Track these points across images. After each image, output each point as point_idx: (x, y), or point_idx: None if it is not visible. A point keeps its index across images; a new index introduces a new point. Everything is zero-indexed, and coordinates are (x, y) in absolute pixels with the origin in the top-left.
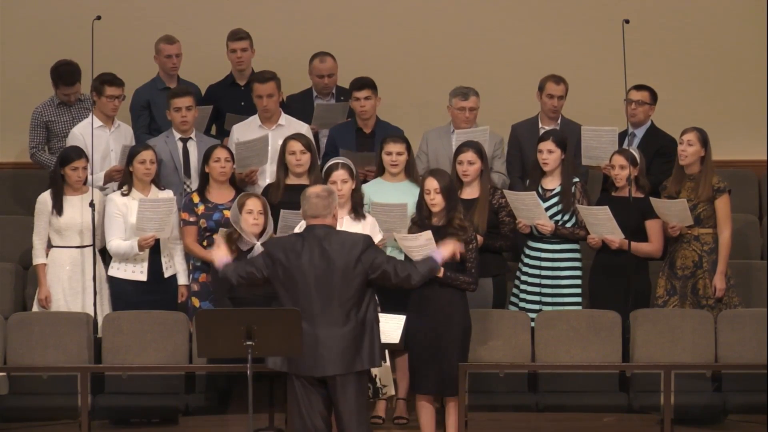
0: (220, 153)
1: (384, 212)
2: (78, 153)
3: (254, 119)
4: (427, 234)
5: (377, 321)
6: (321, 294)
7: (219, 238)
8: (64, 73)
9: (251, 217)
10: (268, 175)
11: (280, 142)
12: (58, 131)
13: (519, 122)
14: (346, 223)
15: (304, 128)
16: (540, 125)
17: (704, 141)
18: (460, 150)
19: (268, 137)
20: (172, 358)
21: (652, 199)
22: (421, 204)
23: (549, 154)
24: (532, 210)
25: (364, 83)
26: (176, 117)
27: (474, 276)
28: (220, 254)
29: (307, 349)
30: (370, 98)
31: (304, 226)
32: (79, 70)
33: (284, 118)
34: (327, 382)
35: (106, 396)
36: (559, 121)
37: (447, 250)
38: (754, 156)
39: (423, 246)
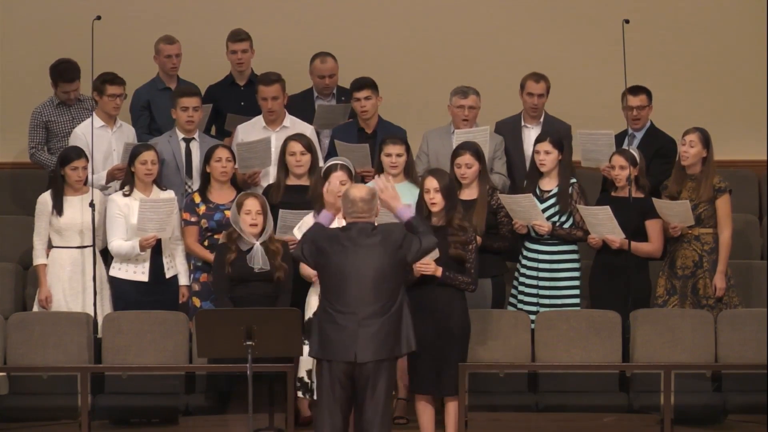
0: (221, 153)
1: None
2: (78, 153)
3: (258, 120)
4: None
5: (408, 306)
6: (363, 284)
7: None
8: (64, 70)
9: (249, 217)
10: (271, 177)
11: None
12: (58, 131)
13: (502, 120)
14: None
15: (308, 130)
16: (522, 123)
17: (706, 141)
18: (457, 153)
19: (271, 139)
20: (172, 358)
21: (654, 200)
22: (421, 204)
23: (546, 155)
24: (528, 211)
25: (364, 83)
26: (182, 116)
27: (473, 276)
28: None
29: (347, 338)
30: (370, 98)
31: (304, 226)
32: (78, 68)
33: (289, 120)
34: (356, 378)
35: (106, 396)
36: (541, 119)
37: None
38: (754, 156)
39: None
